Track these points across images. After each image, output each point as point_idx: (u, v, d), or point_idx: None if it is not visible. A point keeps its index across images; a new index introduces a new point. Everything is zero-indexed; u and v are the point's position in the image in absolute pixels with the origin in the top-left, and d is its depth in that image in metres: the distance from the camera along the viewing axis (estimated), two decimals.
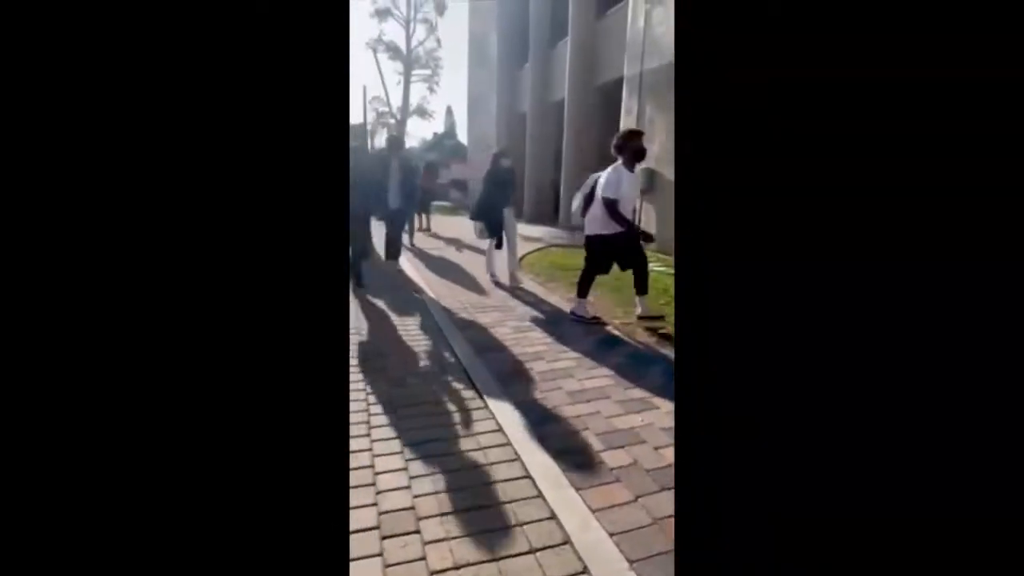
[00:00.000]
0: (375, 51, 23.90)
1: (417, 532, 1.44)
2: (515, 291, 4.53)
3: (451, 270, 5.53)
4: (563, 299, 4.23)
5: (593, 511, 1.54)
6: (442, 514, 1.51)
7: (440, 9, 23.74)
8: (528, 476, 1.71)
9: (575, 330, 3.39)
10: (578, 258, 4.17)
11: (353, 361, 2.73)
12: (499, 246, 4.90)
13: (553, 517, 1.51)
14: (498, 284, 4.80)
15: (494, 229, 4.87)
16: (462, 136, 23.32)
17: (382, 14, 23.60)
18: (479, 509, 1.54)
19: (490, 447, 1.90)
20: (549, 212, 11.17)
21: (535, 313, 3.83)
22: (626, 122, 8.27)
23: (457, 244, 7.51)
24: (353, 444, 1.88)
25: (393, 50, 24.16)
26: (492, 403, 2.25)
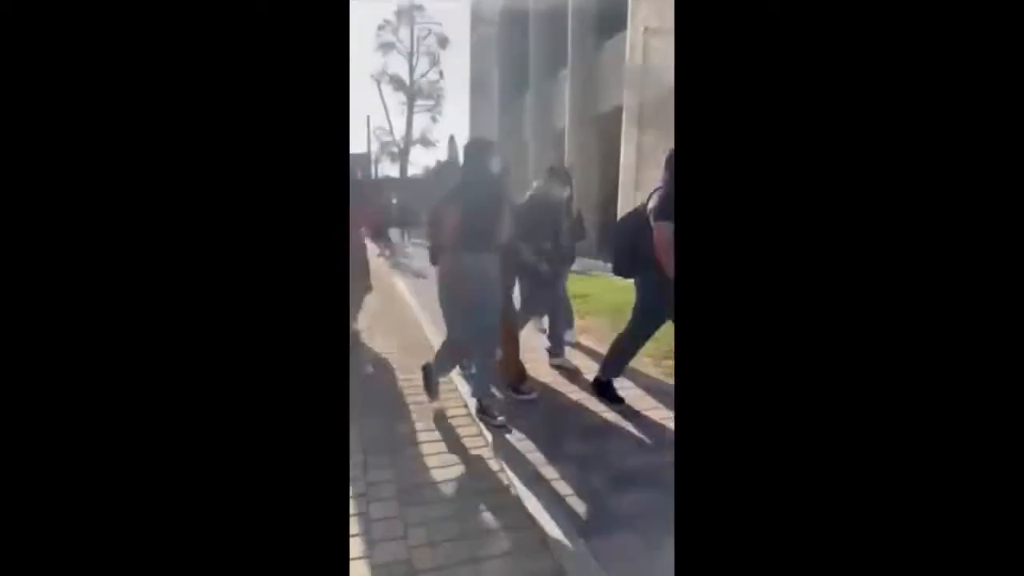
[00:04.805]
0: (379, 82, 24.31)
1: None
2: None
3: None
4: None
5: None
6: None
7: (442, 43, 24.24)
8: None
9: None
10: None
11: None
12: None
13: None
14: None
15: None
16: None
17: (386, 48, 24.09)
18: None
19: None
20: None
21: None
22: (627, 151, 8.17)
23: None
24: None
25: (397, 82, 24.55)
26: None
